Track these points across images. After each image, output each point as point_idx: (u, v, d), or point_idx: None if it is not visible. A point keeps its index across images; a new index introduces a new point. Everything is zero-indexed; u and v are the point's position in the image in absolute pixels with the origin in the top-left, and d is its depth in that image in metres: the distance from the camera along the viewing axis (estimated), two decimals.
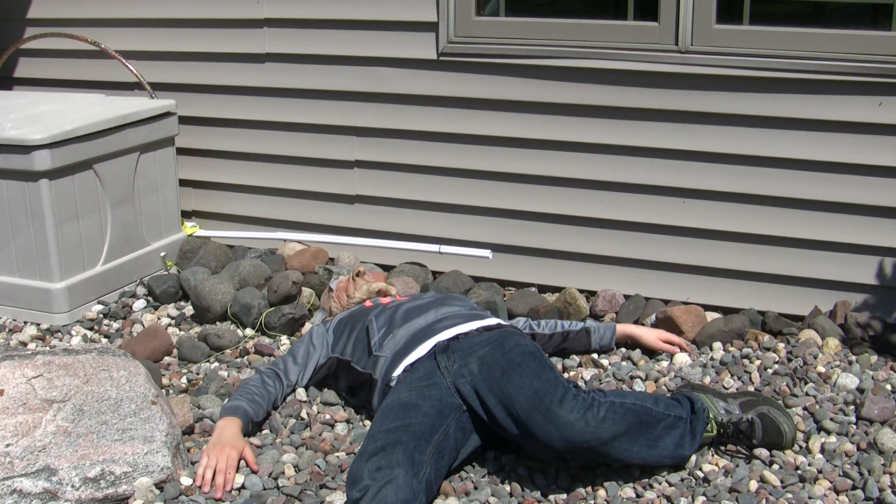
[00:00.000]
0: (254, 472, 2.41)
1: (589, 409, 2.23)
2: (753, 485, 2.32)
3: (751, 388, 2.79)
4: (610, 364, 2.98)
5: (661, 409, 2.33)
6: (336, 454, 2.50)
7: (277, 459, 2.47)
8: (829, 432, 2.55)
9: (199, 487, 2.33)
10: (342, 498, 2.28)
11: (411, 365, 2.53)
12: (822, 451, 2.47)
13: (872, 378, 2.80)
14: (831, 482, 2.34)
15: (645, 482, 2.35)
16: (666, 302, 3.33)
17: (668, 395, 2.62)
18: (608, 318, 3.32)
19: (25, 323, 3.40)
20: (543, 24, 3.31)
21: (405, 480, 2.10)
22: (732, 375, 2.88)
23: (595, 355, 3.04)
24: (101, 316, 3.43)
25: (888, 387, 2.75)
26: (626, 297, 3.37)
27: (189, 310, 3.46)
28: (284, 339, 3.22)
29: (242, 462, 2.44)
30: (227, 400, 2.65)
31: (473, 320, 2.65)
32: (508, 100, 3.41)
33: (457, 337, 2.56)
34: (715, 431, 2.42)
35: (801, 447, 2.50)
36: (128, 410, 2.40)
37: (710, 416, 2.42)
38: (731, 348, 3.04)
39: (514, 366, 2.37)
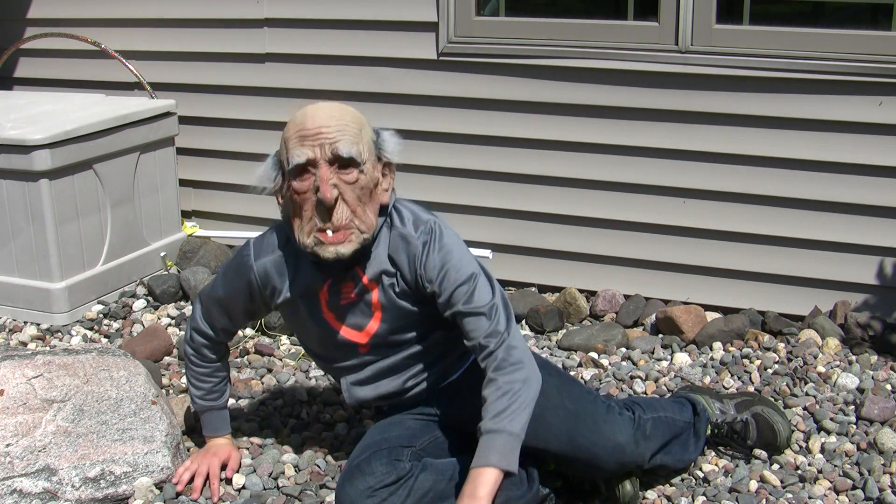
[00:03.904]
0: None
1: (638, 428, 2.16)
2: (753, 485, 2.32)
3: (751, 388, 2.79)
4: (610, 364, 2.99)
5: (680, 417, 2.31)
6: (336, 454, 2.50)
7: (277, 459, 2.47)
8: (829, 432, 2.55)
9: (175, 485, 2.32)
10: None
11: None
12: (822, 451, 2.47)
13: (872, 378, 2.81)
14: (831, 482, 2.34)
15: (645, 482, 2.34)
16: (666, 302, 3.34)
17: (668, 395, 2.61)
18: (608, 318, 3.32)
19: (25, 323, 3.40)
20: (543, 24, 3.31)
21: (387, 468, 2.01)
22: (732, 375, 2.88)
23: (595, 355, 3.04)
24: (101, 316, 3.43)
25: (888, 387, 2.75)
26: (626, 297, 3.37)
27: (189, 310, 3.46)
28: (284, 338, 3.22)
29: (245, 462, 2.45)
30: (192, 407, 2.49)
31: (443, 360, 2.23)
32: (508, 100, 3.41)
33: (441, 388, 2.25)
34: (710, 432, 2.42)
35: (801, 447, 2.50)
36: (128, 410, 2.40)
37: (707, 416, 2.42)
38: (731, 348, 3.04)
39: None
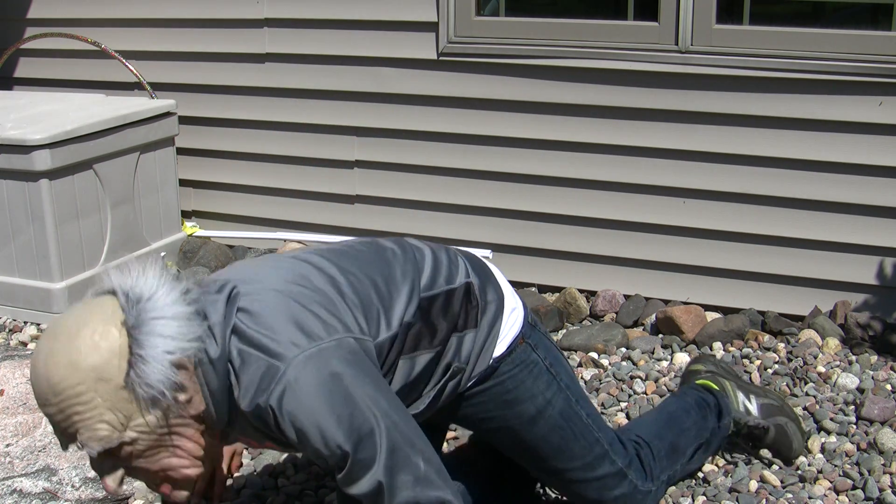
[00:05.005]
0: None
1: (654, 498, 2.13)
2: (753, 485, 2.32)
3: None
4: (610, 364, 2.98)
5: (700, 439, 2.26)
6: None
7: (277, 459, 2.47)
8: (829, 432, 2.55)
9: None
10: None
11: None
12: (822, 451, 2.47)
13: (872, 378, 2.81)
14: (831, 482, 2.34)
15: None
16: (666, 302, 3.34)
17: (697, 379, 2.43)
18: (608, 318, 3.32)
19: (25, 323, 3.40)
20: (543, 24, 3.31)
21: None
22: None
23: (595, 355, 3.04)
24: None
25: (888, 387, 2.75)
26: (626, 297, 3.37)
27: None
28: None
29: (245, 461, 2.44)
30: None
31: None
32: (508, 100, 3.41)
33: None
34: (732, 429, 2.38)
35: None
36: None
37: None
38: (731, 348, 3.04)
39: (537, 441, 1.93)
